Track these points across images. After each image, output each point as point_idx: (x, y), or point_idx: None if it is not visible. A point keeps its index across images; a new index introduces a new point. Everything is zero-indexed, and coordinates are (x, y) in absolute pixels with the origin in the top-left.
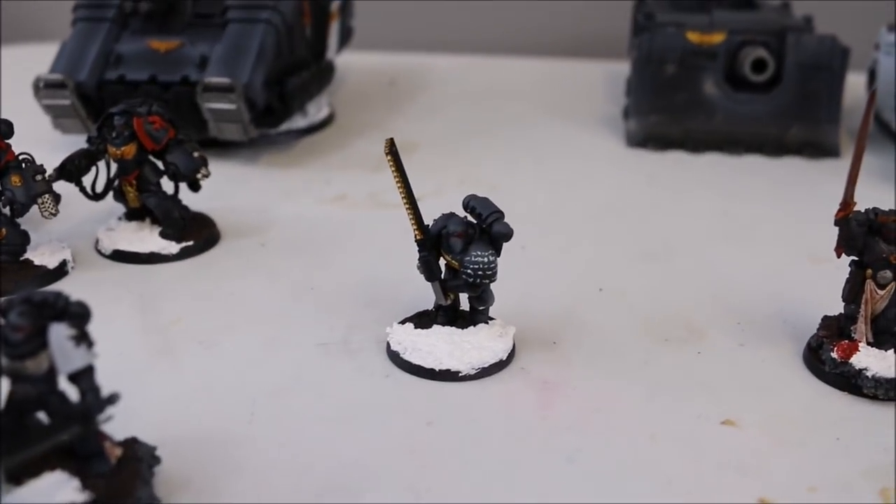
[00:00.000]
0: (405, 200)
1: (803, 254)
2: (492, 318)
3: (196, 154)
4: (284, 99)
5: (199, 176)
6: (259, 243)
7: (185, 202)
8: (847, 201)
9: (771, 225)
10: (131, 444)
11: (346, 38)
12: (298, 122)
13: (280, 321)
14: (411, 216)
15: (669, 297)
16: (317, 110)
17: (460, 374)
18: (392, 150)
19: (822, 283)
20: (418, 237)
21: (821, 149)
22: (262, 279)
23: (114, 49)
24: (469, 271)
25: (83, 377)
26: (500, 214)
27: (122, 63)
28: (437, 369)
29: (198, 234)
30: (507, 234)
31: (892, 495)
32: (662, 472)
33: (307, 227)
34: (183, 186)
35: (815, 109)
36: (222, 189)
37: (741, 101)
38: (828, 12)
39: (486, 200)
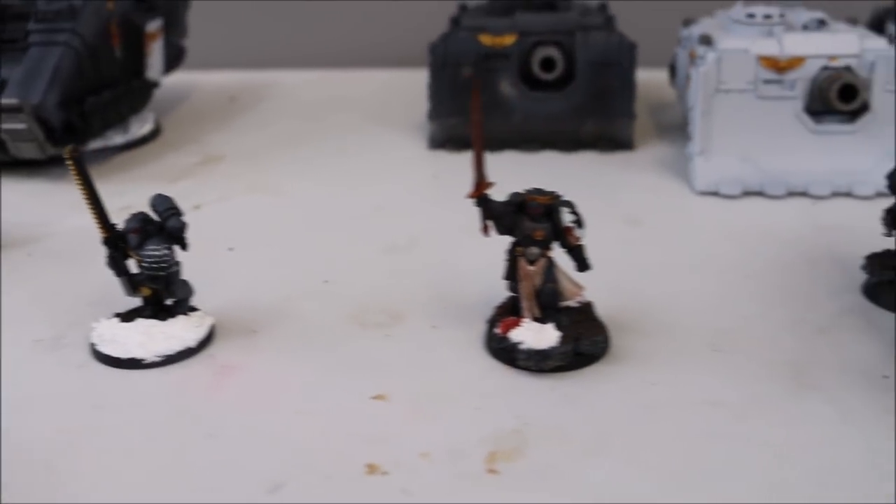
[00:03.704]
0: (88, 203)
1: None
2: (195, 310)
3: None
4: (85, 117)
5: None
6: (26, 253)
7: None
8: (479, 181)
9: None
10: None
11: (177, 58)
12: (115, 138)
13: (7, 324)
14: (96, 217)
15: (390, 287)
16: (139, 127)
17: (145, 362)
18: (73, 156)
19: None
20: (104, 236)
21: (615, 142)
22: (9, 286)
23: None
24: (145, 264)
25: None
26: (176, 210)
27: None
28: (122, 358)
29: None
30: (181, 229)
31: (497, 458)
32: (291, 443)
33: (81, 237)
34: None
35: (608, 104)
36: (15, 204)
37: (538, 99)
38: (644, 12)
39: (165, 198)
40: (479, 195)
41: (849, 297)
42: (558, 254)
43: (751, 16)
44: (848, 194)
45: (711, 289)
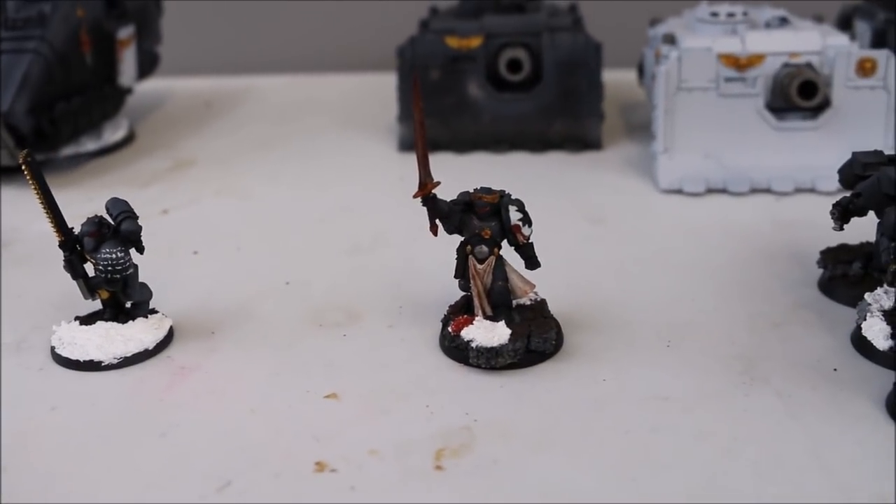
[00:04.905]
0: (44, 207)
1: None
2: (154, 312)
3: None
4: (55, 124)
5: None
6: None
7: None
8: (423, 181)
9: None
10: None
11: (151, 65)
12: (88, 145)
13: None
14: (51, 221)
15: (350, 287)
16: (112, 133)
17: (103, 364)
18: (27, 161)
19: None
20: (59, 240)
21: (583, 142)
22: None
23: None
24: (100, 267)
25: None
26: (130, 214)
27: None
28: (81, 360)
29: None
30: (135, 232)
31: (444, 454)
32: (242, 441)
33: (48, 242)
34: None
35: (576, 105)
36: None
37: (506, 100)
38: (614, 13)
39: (120, 201)
40: (425, 194)
41: (805, 291)
42: (510, 252)
43: (714, 14)
44: (811, 190)
45: (668, 285)
